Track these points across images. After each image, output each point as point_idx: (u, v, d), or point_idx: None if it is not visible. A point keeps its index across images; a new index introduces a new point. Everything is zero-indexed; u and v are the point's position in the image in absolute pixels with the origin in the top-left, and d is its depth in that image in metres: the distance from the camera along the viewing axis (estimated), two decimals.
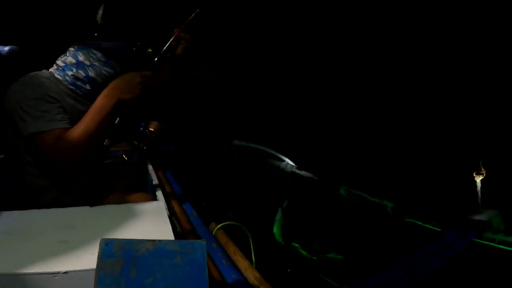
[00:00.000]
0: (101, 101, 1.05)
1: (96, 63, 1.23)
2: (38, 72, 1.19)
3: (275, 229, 1.46)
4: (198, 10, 1.31)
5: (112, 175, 1.50)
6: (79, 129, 1.02)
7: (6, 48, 0.96)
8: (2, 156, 1.30)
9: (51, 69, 1.25)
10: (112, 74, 1.26)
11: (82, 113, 1.15)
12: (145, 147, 1.43)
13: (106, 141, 1.09)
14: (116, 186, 1.51)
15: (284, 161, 2.04)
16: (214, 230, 1.18)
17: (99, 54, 1.23)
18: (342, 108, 2.03)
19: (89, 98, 1.21)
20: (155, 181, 1.34)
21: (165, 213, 0.82)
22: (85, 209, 0.82)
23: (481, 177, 1.17)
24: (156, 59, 1.23)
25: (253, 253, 1.12)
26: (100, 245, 0.53)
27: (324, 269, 1.18)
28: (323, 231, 1.48)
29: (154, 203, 0.89)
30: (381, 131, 1.91)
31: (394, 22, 1.62)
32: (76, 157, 1.02)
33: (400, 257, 1.00)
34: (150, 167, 1.39)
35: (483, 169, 1.17)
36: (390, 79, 1.88)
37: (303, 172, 1.86)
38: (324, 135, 2.04)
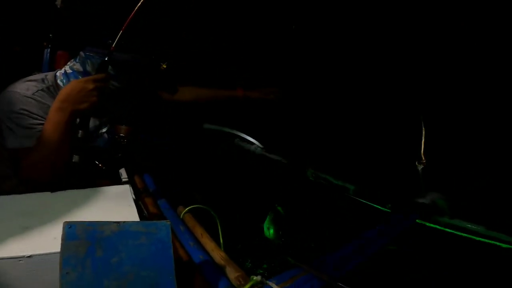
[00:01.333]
0: (54, 117, 0.96)
1: None
2: (37, 78, 1.16)
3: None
4: None
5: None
6: (39, 150, 0.96)
7: None
8: None
9: (57, 72, 1.21)
10: (117, 88, 1.21)
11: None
12: (119, 155, 1.37)
13: (74, 157, 0.99)
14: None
15: (253, 144, 2.08)
16: (182, 214, 1.19)
17: (109, 67, 1.12)
18: (308, 93, 2.09)
19: None
20: (124, 175, 1.31)
21: (130, 196, 0.83)
22: (46, 195, 0.81)
23: (422, 166, 1.29)
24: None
25: (220, 235, 1.15)
26: (63, 228, 0.54)
27: (287, 249, 1.24)
28: (290, 214, 1.55)
29: (120, 186, 0.89)
30: (346, 118, 2.01)
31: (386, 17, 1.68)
32: (45, 178, 0.95)
33: (353, 237, 1.09)
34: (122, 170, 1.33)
35: (423, 159, 1.29)
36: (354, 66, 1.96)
37: (272, 155, 1.91)
38: (292, 119, 2.10)
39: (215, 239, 1.07)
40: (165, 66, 1.24)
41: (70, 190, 0.83)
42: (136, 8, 1.10)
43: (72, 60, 1.21)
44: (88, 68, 1.16)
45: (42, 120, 1.05)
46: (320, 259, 0.94)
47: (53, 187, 0.89)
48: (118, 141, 1.37)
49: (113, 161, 1.34)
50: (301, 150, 1.93)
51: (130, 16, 1.06)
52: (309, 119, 2.10)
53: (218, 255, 0.92)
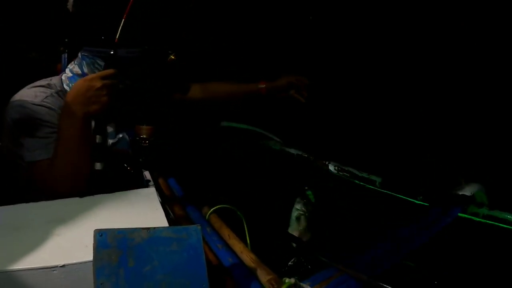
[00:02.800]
0: (64, 124, 0.89)
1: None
2: (43, 83, 1.09)
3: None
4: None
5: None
6: (56, 162, 0.90)
7: None
8: None
9: (62, 76, 1.14)
10: (126, 85, 1.12)
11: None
12: (140, 160, 1.32)
13: (96, 165, 0.91)
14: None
15: (272, 139, 2.04)
16: (207, 215, 1.18)
17: (101, 65, 1.06)
18: (327, 84, 2.03)
19: None
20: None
21: (156, 199, 0.81)
22: (74, 201, 0.81)
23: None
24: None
25: (247, 236, 1.13)
26: (94, 236, 0.52)
27: (316, 248, 1.21)
28: (314, 210, 1.50)
29: (145, 190, 0.88)
30: (368, 109, 1.93)
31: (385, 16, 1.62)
32: (65, 191, 0.86)
33: (387, 234, 1.04)
34: (146, 173, 1.32)
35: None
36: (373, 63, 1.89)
37: (292, 150, 1.87)
38: (312, 111, 2.05)
39: (242, 239, 1.05)
40: (173, 57, 1.14)
41: (97, 195, 0.82)
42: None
43: (72, 63, 1.13)
44: (85, 69, 1.07)
45: (55, 128, 0.97)
46: (353, 258, 0.90)
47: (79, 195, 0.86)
48: (139, 143, 1.34)
49: (137, 164, 1.31)
50: (322, 143, 1.88)
51: (129, 5, 0.95)
52: (329, 110, 2.04)
53: (247, 257, 0.89)
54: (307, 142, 1.87)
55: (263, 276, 0.77)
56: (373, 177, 1.44)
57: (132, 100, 1.25)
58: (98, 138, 0.91)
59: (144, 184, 1.24)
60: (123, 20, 0.94)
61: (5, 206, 0.81)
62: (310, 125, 2.04)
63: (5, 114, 1.00)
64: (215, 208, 1.18)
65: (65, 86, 1.11)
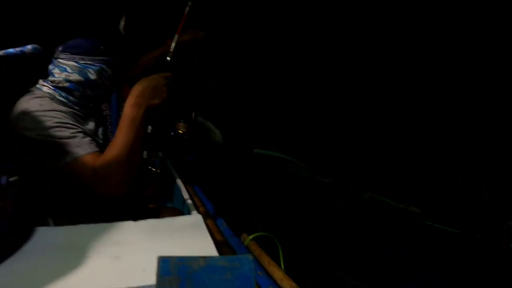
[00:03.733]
0: (131, 112, 0.97)
1: (106, 82, 1.18)
2: (37, 94, 1.08)
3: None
4: (190, 3, 1.27)
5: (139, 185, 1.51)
6: (116, 148, 0.95)
7: (29, 47, 0.91)
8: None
9: (46, 88, 1.13)
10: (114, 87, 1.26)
11: (93, 133, 1.14)
12: (179, 153, 1.43)
13: (144, 153, 1.06)
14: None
15: (303, 167, 2.05)
16: (246, 241, 1.20)
17: (110, 72, 1.18)
18: (362, 109, 2.02)
19: (88, 114, 1.18)
20: (186, 195, 1.38)
21: (204, 227, 0.85)
22: (130, 224, 0.87)
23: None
24: (169, 58, 1.20)
25: (282, 263, 1.14)
26: (158, 262, 0.56)
27: (353, 274, 1.18)
28: (347, 238, 1.48)
29: (192, 217, 0.92)
30: (402, 137, 1.90)
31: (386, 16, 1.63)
32: (120, 178, 0.94)
33: (433, 265, 1.00)
34: (179, 181, 1.42)
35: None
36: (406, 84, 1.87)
37: (322, 178, 1.86)
38: (343, 138, 2.04)
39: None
40: (169, 58, 1.23)
41: (150, 220, 0.88)
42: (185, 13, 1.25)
43: (58, 73, 1.13)
44: (92, 76, 1.14)
45: (76, 128, 1.03)
46: (392, 281, 0.88)
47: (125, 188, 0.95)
48: (178, 138, 1.42)
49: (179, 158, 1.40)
50: (354, 170, 1.85)
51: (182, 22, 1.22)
52: (362, 135, 2.02)
53: (288, 285, 0.90)
54: (338, 169, 1.86)
55: None
56: (413, 208, 1.41)
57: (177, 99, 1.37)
58: (149, 129, 1.07)
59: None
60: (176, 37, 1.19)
61: (66, 226, 0.88)
62: (341, 153, 2.03)
63: (18, 131, 0.99)
64: (254, 235, 1.20)
65: (58, 98, 1.12)
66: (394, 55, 1.77)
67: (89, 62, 1.14)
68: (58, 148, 0.96)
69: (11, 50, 0.80)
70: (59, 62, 1.13)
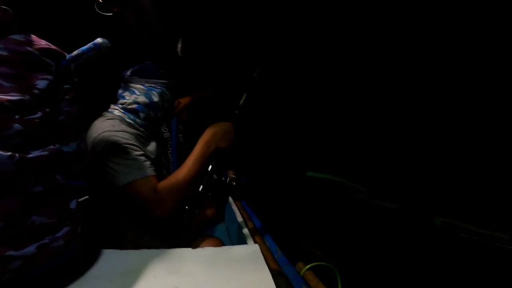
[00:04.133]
0: (202, 149, 1.10)
1: (166, 104, 1.28)
2: (108, 116, 1.19)
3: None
4: (258, 70, 1.35)
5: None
6: (181, 176, 1.05)
7: (99, 40, 0.96)
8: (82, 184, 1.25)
9: (117, 112, 1.24)
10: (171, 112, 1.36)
11: (153, 154, 1.22)
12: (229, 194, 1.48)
13: (200, 187, 1.12)
14: (194, 222, 1.57)
15: (361, 191, 1.92)
16: (303, 271, 1.13)
17: (169, 95, 1.29)
18: (429, 125, 1.85)
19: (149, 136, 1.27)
20: (240, 218, 1.37)
21: (262, 259, 0.81)
22: (189, 252, 0.86)
23: None
24: (236, 111, 1.27)
25: None
26: None
27: None
28: (417, 270, 1.32)
29: (250, 247, 0.89)
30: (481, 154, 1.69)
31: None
32: (176, 203, 1.03)
33: None
34: (235, 208, 1.43)
35: None
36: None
37: (385, 203, 1.72)
38: (407, 158, 1.86)
39: None
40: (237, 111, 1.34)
41: (206, 248, 0.87)
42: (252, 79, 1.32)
43: (128, 96, 1.24)
44: (155, 98, 1.24)
45: (140, 150, 1.11)
46: None
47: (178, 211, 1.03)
48: (231, 184, 1.46)
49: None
50: (422, 192, 1.68)
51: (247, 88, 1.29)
52: (428, 150, 1.84)
53: None
54: (402, 191, 1.70)
55: None
56: (500, 234, 1.20)
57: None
58: (210, 167, 1.16)
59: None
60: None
61: (128, 251, 0.90)
62: (404, 171, 1.87)
63: (91, 148, 1.07)
64: (312, 265, 1.13)
65: (127, 120, 1.22)
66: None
67: (153, 85, 1.25)
68: (123, 167, 1.04)
69: (83, 47, 0.86)
70: (129, 85, 1.26)
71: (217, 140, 1.12)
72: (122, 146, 1.07)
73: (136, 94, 1.24)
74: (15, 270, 0.57)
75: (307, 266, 1.13)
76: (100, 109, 1.29)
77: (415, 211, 1.55)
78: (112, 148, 1.05)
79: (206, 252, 0.85)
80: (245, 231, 1.35)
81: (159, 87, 1.26)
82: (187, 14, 2.34)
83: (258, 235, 1.40)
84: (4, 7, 0.65)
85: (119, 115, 1.22)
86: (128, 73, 1.27)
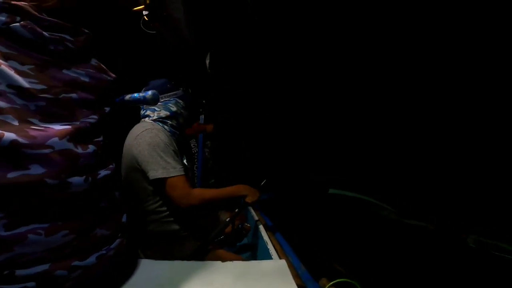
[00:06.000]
0: (233, 189, 1.42)
1: (182, 111, 1.49)
2: (145, 124, 1.40)
3: None
4: (265, 180, 1.62)
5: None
6: (211, 192, 1.35)
7: (150, 93, 1.13)
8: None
9: (152, 122, 1.44)
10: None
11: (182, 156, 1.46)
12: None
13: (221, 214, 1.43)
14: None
15: (385, 208, 1.90)
16: (326, 287, 1.14)
17: (182, 102, 1.49)
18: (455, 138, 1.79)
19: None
20: (266, 237, 1.41)
21: (289, 274, 0.85)
22: (219, 264, 0.91)
23: None
24: (228, 219, 1.45)
25: None
26: None
27: None
28: None
29: (277, 261, 0.93)
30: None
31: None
32: (197, 203, 1.28)
33: None
34: (259, 224, 1.51)
35: None
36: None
37: (412, 221, 1.70)
38: (435, 174, 1.82)
39: None
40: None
41: (236, 262, 0.91)
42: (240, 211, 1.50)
43: (151, 113, 1.44)
44: (173, 108, 1.45)
45: (177, 152, 1.36)
46: None
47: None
48: (242, 232, 1.57)
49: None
50: (454, 210, 1.63)
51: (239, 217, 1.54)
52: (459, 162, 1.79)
53: None
54: (432, 209, 1.67)
55: None
56: None
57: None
58: (236, 211, 1.45)
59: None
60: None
61: (162, 261, 0.95)
62: (433, 187, 1.83)
63: (136, 144, 1.30)
64: (335, 282, 1.14)
65: (161, 125, 1.42)
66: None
67: (166, 99, 1.45)
68: (162, 162, 1.26)
69: (135, 94, 1.03)
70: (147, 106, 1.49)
71: (246, 193, 1.43)
72: (167, 145, 1.30)
73: (157, 110, 1.44)
74: (76, 278, 0.64)
75: (331, 283, 1.14)
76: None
77: (445, 229, 1.52)
78: (156, 141, 1.28)
79: (236, 265, 0.90)
80: (270, 246, 1.38)
81: (172, 98, 1.46)
82: (215, 30, 2.46)
83: (281, 250, 1.42)
84: (86, 30, 0.70)
85: (154, 127, 1.38)
86: None
